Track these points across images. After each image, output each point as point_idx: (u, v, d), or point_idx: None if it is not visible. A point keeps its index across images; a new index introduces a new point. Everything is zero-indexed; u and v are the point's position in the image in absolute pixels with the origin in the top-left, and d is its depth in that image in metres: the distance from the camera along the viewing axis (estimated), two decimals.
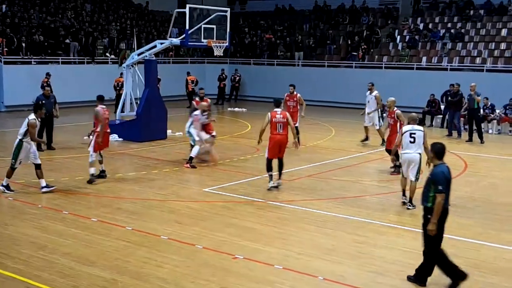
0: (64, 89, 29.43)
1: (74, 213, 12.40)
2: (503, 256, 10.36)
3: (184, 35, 20.92)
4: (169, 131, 22.56)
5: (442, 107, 26.71)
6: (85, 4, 39.08)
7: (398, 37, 37.20)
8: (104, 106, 15.75)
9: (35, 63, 31.68)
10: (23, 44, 31.70)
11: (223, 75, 37.06)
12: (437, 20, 37.61)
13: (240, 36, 42.55)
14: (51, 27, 33.74)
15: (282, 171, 15.02)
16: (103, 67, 34.03)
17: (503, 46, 33.11)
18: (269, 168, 14.80)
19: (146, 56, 21.86)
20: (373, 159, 18.68)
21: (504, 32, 34.16)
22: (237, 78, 37.27)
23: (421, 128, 13.91)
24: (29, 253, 9.92)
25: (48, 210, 12.58)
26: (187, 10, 20.55)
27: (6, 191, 13.80)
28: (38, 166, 13.96)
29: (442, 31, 35.70)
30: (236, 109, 33.51)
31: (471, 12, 36.51)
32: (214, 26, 21.24)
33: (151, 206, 13.12)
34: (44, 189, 13.92)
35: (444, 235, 10.97)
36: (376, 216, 12.63)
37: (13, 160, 13.85)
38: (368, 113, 21.04)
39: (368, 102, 21.28)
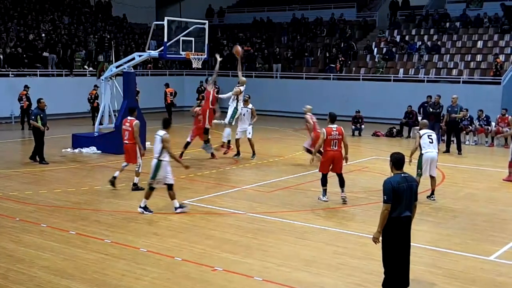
0: None
1: (52, 226, 12.30)
2: (481, 267, 10.42)
3: (162, 47, 20.91)
4: (148, 143, 22.46)
5: (420, 118, 26.86)
6: (63, 16, 38.95)
7: (375, 49, 37.47)
8: (130, 118, 15.78)
9: (13, 75, 31.48)
10: (1, 57, 31.50)
11: (202, 87, 37.00)
12: (413, 32, 37.97)
13: (218, 48, 42.58)
14: (29, 40, 33.55)
15: (344, 187, 14.79)
16: (81, 79, 33.93)
17: (479, 58, 33.49)
18: (323, 182, 14.81)
19: (125, 69, 21.81)
20: (351, 170, 18.76)
21: (480, 44, 34.57)
22: (216, 90, 37.19)
23: (433, 131, 15.67)
24: (6, 267, 9.83)
25: (26, 223, 12.46)
26: (165, 23, 20.54)
27: (145, 212, 13.39)
28: (170, 187, 13.41)
29: (419, 43, 36.04)
30: (215, 121, 33.38)
31: (447, 24, 36.91)
32: (193, 39, 21.23)
33: (130, 218, 13.06)
34: (178, 210, 13.48)
35: (422, 246, 11.10)
36: (355, 227, 12.69)
37: (152, 179, 13.32)
38: (250, 124, 20.85)
39: (244, 115, 20.82)
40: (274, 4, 46.72)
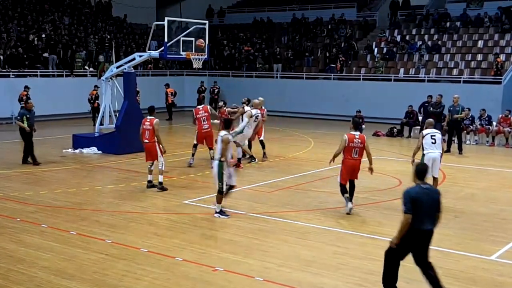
0: (43, 102, 29.32)
1: (52, 226, 12.30)
2: (481, 266, 10.42)
3: (162, 47, 20.90)
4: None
5: (420, 118, 26.88)
6: (63, 17, 38.96)
7: (376, 49, 37.45)
8: (150, 117, 15.86)
9: (13, 76, 31.48)
10: (1, 58, 31.50)
11: (202, 87, 37.08)
12: (414, 32, 37.96)
13: (219, 48, 42.63)
14: (29, 41, 33.55)
15: (353, 194, 13.94)
16: (82, 80, 33.92)
17: (479, 57, 33.47)
18: (343, 191, 13.77)
19: (125, 69, 21.81)
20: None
21: (480, 43, 34.56)
22: (216, 90, 37.30)
23: (438, 131, 15.14)
24: (7, 267, 9.83)
25: (26, 224, 12.46)
26: (165, 23, 20.54)
27: (221, 216, 13.07)
28: (231, 187, 13.34)
29: (419, 42, 36.00)
30: (216, 121, 33.38)
31: (448, 24, 36.90)
32: (193, 39, 21.22)
33: (130, 218, 13.05)
34: (216, 215, 13.18)
35: None
36: (356, 227, 12.68)
37: (220, 184, 12.93)
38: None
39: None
40: (274, 4, 46.72)
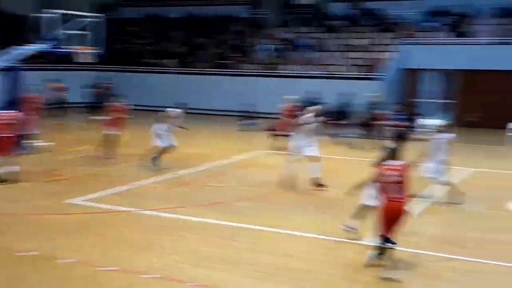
0: None
1: None
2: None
3: (49, 41, 20.11)
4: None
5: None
6: None
7: (266, 46, 38.19)
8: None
9: None
10: None
11: (95, 83, 36.19)
12: (302, 30, 39.11)
13: (110, 43, 41.81)
14: None
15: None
16: None
17: (359, 55, 35.32)
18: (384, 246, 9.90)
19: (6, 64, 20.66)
20: (249, 165, 18.81)
21: (361, 42, 36.34)
22: (107, 85, 36.48)
23: None
24: None
25: None
26: (43, 15, 19.85)
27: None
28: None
29: (306, 41, 37.30)
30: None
31: (332, 22, 38.52)
32: (86, 32, 20.81)
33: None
34: (345, 228, 11.50)
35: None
36: (251, 220, 12.65)
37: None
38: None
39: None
40: None
